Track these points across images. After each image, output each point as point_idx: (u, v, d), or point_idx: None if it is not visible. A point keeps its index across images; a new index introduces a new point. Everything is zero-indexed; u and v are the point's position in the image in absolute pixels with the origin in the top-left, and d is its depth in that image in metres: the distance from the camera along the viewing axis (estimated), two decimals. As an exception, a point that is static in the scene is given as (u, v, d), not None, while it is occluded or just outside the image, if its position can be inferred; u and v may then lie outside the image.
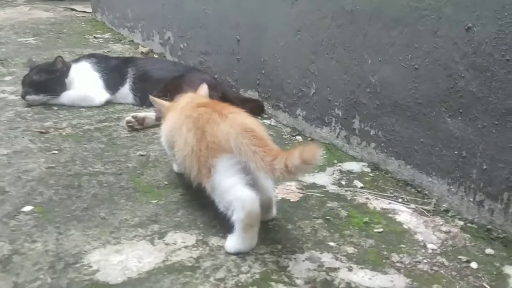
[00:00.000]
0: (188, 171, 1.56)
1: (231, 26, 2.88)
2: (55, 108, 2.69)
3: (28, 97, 2.66)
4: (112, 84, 2.77)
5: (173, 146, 1.67)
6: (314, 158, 1.22)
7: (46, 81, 2.70)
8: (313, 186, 1.84)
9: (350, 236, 1.51)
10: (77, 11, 7.23)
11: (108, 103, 2.79)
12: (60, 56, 2.75)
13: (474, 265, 1.39)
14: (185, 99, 1.79)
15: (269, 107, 2.61)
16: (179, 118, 1.65)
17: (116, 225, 1.56)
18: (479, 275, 1.35)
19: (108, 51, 4.25)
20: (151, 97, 1.96)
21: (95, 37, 4.98)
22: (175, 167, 1.90)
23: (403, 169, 1.83)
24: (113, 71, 2.80)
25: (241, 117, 1.49)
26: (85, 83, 2.75)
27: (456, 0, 1.55)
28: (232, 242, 1.40)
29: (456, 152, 1.60)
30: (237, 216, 1.35)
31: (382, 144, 1.90)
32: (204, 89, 2.07)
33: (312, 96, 2.26)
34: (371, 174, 1.92)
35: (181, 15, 3.59)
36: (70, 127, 2.40)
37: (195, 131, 1.51)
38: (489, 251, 1.46)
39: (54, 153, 2.09)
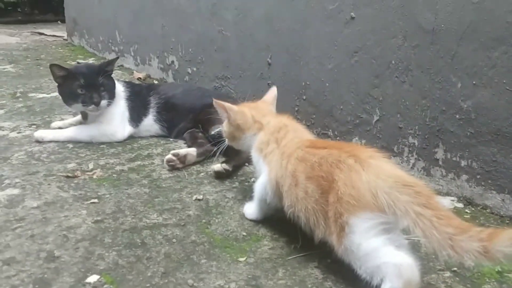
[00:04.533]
0: (312, 227, 1.31)
1: (260, 48, 2.65)
2: (70, 146, 2.36)
3: (103, 102, 2.31)
4: (137, 116, 2.47)
5: (280, 194, 1.42)
6: None
7: (111, 83, 2.38)
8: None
9: (493, 292, 1.29)
10: (46, 35, 6.82)
11: (128, 137, 2.48)
12: (117, 57, 2.45)
13: None
14: (284, 133, 1.54)
15: (314, 136, 2.37)
16: (287, 162, 1.40)
17: (212, 294, 1.27)
18: None
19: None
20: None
21: (78, 63, 4.62)
22: (254, 213, 1.64)
23: (509, 204, 1.64)
24: (137, 99, 2.50)
25: (388, 166, 1.21)
26: (113, 112, 2.42)
27: None
28: None
29: None
30: (390, 286, 1.10)
31: (478, 176, 1.71)
32: (273, 92, 1.82)
33: (375, 124, 2.05)
34: (467, 211, 1.72)
35: (189, 37, 3.33)
36: (100, 169, 2.08)
37: (318, 179, 1.27)
38: None
39: (94, 203, 1.77)
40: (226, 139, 1.77)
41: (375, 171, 1.17)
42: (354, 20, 2.06)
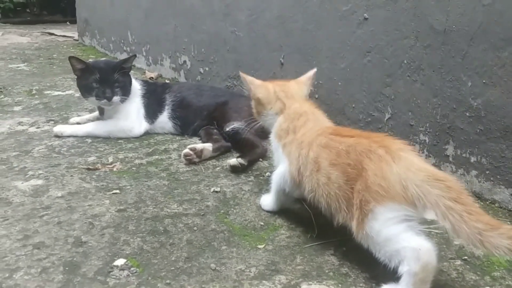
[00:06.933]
0: (333, 212, 1.35)
1: (272, 48, 2.73)
2: (89, 140, 2.44)
3: (115, 98, 2.40)
4: (152, 112, 2.54)
5: (300, 183, 1.47)
6: None
7: (126, 81, 2.46)
8: (423, 221, 1.67)
9: (503, 279, 1.36)
10: (56, 35, 6.91)
11: (144, 133, 2.55)
12: (135, 55, 2.55)
13: None
14: (304, 121, 1.57)
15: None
16: (308, 149, 1.44)
17: (234, 277, 1.34)
18: None
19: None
20: None
21: (90, 62, 4.70)
22: (270, 205, 1.70)
23: (517, 199, 1.70)
24: (153, 96, 2.57)
25: (419, 160, 1.24)
26: (129, 108, 2.49)
27: None
28: None
29: None
30: (408, 269, 1.14)
31: (487, 172, 1.77)
32: (310, 73, 1.79)
33: (387, 121, 2.11)
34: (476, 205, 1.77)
35: (201, 38, 3.41)
36: (119, 162, 2.15)
37: (344, 167, 1.30)
38: None
39: (116, 193, 1.84)
40: (254, 114, 1.77)
41: (406, 163, 1.19)
42: (367, 21, 2.13)
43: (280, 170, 1.59)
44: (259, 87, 1.69)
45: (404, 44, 1.99)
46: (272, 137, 1.66)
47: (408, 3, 1.94)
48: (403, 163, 1.20)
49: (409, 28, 1.95)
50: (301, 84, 1.74)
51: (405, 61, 1.99)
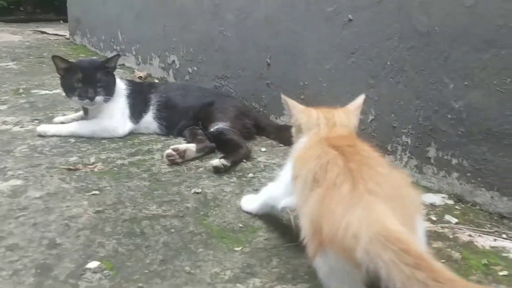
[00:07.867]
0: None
1: (260, 49, 2.71)
2: (72, 140, 2.42)
3: (98, 98, 2.37)
4: (137, 112, 2.52)
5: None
6: None
7: (110, 80, 2.44)
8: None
9: (480, 283, 1.34)
10: (48, 34, 6.87)
11: (129, 133, 2.53)
12: (118, 54, 2.56)
13: None
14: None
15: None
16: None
17: (208, 281, 1.32)
18: None
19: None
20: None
21: (80, 61, 4.67)
22: (253, 208, 1.68)
23: (498, 201, 1.69)
24: (138, 96, 2.55)
25: (381, 207, 0.98)
26: (113, 108, 2.47)
27: None
28: None
29: None
30: None
31: (468, 174, 1.76)
32: (359, 100, 1.46)
33: (370, 123, 2.10)
34: (457, 207, 1.77)
35: (190, 37, 3.39)
36: (101, 162, 2.13)
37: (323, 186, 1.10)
38: None
39: (95, 194, 1.82)
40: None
41: (364, 210, 0.98)
42: (352, 22, 2.12)
43: (278, 191, 1.46)
44: (301, 113, 1.41)
45: (387, 46, 1.98)
46: (290, 157, 1.42)
47: (392, 4, 1.93)
48: (362, 207, 0.99)
49: (393, 29, 1.94)
50: (349, 113, 1.41)
51: (389, 63, 1.98)
